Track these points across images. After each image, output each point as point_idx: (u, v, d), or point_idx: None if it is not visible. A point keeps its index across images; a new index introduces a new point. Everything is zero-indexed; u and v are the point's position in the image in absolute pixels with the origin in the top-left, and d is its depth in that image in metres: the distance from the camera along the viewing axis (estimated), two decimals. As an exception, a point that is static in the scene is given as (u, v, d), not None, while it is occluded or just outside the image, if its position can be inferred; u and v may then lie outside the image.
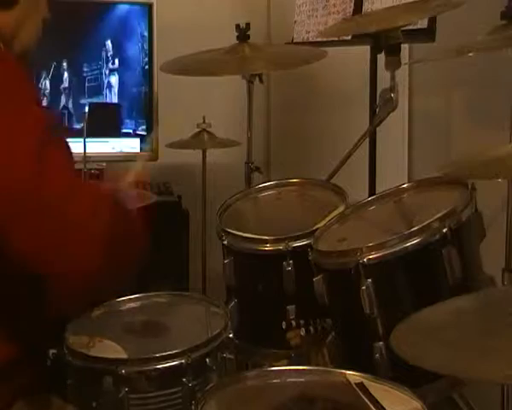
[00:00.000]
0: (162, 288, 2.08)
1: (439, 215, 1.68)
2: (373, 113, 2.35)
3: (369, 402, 1.42)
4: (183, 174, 2.96)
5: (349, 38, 2.46)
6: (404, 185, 1.99)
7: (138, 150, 2.80)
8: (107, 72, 2.78)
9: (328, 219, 1.97)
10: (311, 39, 2.64)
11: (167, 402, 1.64)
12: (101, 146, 2.74)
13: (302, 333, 1.88)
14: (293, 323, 1.91)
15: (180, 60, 2.49)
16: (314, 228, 1.95)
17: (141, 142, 2.81)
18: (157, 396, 1.64)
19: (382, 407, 1.40)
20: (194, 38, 2.81)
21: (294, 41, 2.69)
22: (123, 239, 1.43)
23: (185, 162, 2.93)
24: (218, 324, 1.78)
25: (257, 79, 2.51)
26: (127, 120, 2.81)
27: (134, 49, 2.78)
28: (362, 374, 1.53)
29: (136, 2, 2.79)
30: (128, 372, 1.62)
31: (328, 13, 2.61)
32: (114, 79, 2.79)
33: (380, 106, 2.11)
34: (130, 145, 2.80)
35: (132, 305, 1.97)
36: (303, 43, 2.66)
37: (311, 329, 1.87)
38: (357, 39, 2.43)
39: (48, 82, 2.72)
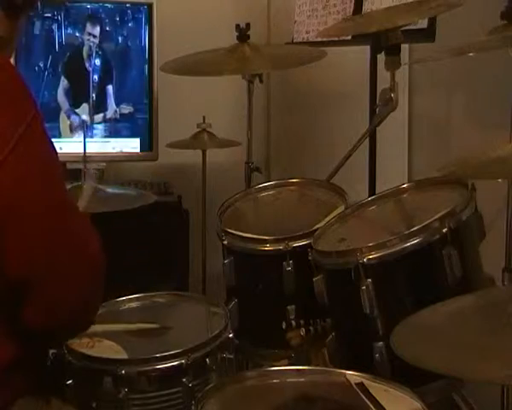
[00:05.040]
0: (162, 288, 2.08)
1: (439, 215, 1.68)
2: (373, 113, 2.35)
3: (369, 402, 1.42)
4: (183, 174, 2.96)
5: (349, 38, 2.45)
6: (404, 185, 1.99)
7: (138, 150, 2.80)
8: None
9: (328, 219, 1.97)
10: (310, 39, 2.64)
11: (167, 402, 1.64)
12: (101, 146, 2.74)
13: (302, 333, 1.88)
14: (293, 323, 1.91)
15: (180, 60, 2.49)
16: (314, 228, 1.95)
17: (141, 142, 2.80)
18: (157, 396, 1.64)
19: (382, 407, 1.40)
20: (194, 38, 2.81)
21: (294, 41, 2.69)
22: None
23: (185, 162, 2.92)
24: (218, 324, 1.78)
25: (257, 79, 2.51)
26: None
27: (134, 50, 2.78)
28: (362, 374, 1.53)
29: (136, 2, 2.78)
30: (128, 372, 1.63)
31: (328, 13, 2.60)
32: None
33: (380, 106, 2.11)
34: (131, 145, 2.79)
35: (132, 305, 1.97)
36: (303, 43, 2.66)
37: (311, 329, 1.87)
38: (357, 39, 2.43)
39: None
